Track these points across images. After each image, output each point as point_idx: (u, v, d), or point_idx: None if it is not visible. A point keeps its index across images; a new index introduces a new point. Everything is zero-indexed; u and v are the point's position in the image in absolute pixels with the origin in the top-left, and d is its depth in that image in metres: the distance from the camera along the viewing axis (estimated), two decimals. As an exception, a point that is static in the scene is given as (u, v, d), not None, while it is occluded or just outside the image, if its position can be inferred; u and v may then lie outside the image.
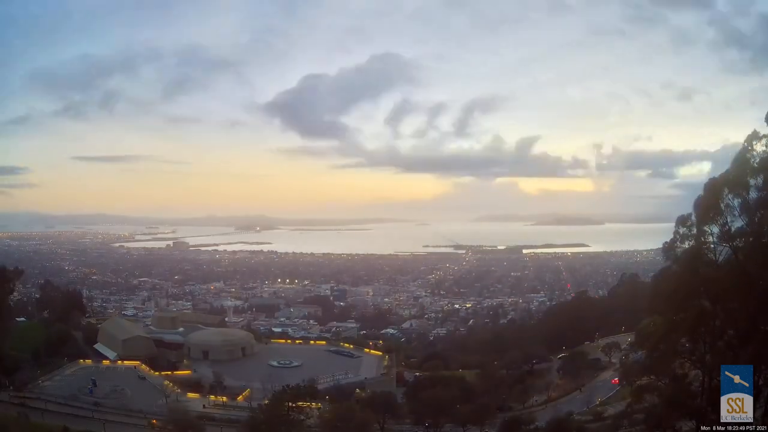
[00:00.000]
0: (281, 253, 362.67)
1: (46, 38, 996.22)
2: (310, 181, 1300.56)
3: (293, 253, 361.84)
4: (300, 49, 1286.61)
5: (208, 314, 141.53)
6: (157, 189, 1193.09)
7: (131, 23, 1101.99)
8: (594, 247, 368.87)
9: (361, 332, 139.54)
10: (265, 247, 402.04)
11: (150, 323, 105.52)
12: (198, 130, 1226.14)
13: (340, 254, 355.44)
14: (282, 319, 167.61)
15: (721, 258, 27.83)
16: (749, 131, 26.48)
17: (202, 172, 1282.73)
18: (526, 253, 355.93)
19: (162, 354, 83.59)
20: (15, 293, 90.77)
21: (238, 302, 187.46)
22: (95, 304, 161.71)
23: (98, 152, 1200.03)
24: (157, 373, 72.35)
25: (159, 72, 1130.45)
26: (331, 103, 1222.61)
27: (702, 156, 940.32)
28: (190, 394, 64.71)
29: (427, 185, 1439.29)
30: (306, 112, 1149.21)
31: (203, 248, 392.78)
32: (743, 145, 26.60)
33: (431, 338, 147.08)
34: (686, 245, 28.49)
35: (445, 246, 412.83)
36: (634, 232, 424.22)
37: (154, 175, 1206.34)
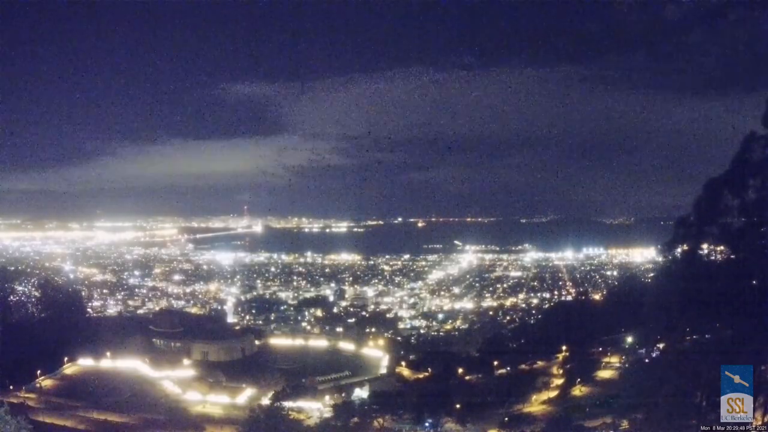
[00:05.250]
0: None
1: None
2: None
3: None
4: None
5: (209, 314, 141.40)
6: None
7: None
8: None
9: (361, 332, 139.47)
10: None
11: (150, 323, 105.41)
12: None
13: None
14: (281, 319, 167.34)
15: (720, 259, 27.97)
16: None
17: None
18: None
19: (162, 354, 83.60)
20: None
21: (238, 302, 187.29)
22: (95, 303, 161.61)
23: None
24: (157, 372, 72.44)
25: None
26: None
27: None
28: (190, 394, 64.79)
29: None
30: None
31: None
32: (742, 145, 26.69)
33: (431, 338, 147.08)
34: (685, 246, 28.63)
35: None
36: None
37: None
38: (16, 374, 61.18)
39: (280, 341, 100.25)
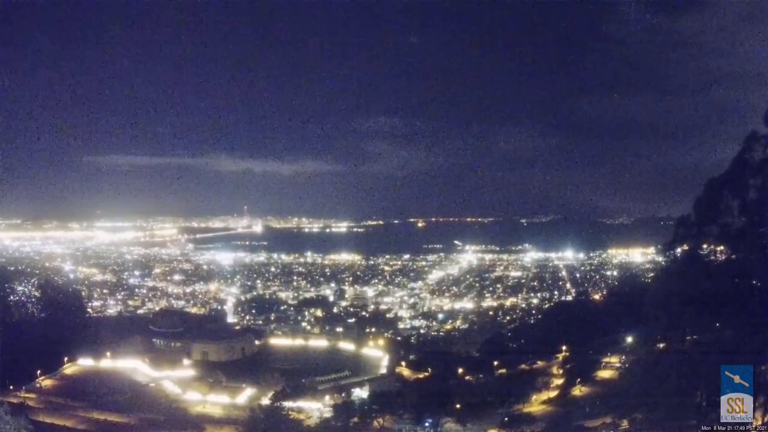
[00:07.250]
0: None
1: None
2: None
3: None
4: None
5: (209, 314, 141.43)
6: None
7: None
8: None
9: (361, 332, 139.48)
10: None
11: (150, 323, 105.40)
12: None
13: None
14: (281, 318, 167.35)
15: (720, 259, 27.95)
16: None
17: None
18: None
19: (162, 354, 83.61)
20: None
21: (238, 302, 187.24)
22: (95, 303, 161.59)
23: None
24: (157, 372, 72.45)
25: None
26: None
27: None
28: (190, 394, 64.79)
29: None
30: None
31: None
32: (742, 145, 26.67)
33: (431, 338, 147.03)
34: (685, 246, 28.63)
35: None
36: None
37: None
38: (16, 374, 61.11)
39: (280, 341, 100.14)
